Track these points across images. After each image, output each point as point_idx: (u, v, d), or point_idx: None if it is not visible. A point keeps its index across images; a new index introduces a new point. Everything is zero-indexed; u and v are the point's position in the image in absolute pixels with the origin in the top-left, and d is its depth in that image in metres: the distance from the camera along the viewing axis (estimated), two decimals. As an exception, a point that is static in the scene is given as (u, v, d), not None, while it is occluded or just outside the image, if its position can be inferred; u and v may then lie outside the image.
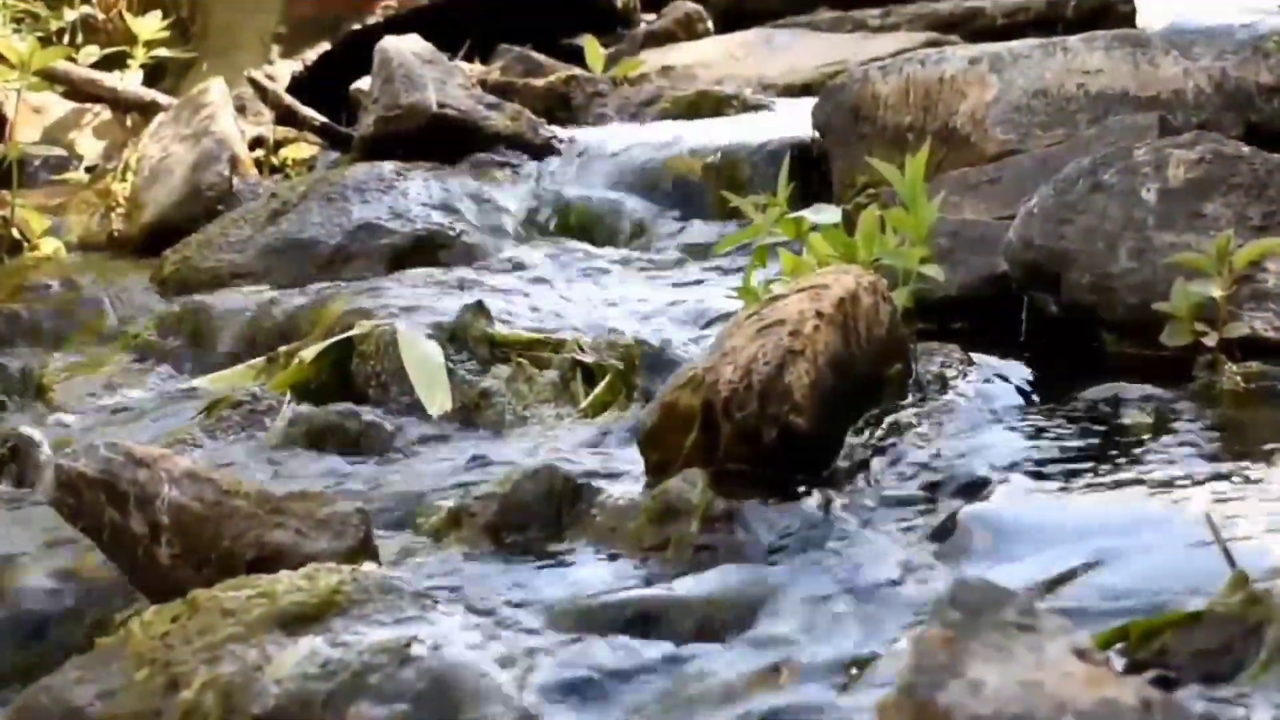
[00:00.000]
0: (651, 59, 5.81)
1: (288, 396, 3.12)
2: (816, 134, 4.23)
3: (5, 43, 4.95)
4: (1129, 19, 5.68)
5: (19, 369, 3.59)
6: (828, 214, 3.15)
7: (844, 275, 2.59)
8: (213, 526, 2.22)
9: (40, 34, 5.71)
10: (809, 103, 4.38)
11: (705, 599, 2.09)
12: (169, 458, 2.31)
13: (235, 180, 4.71)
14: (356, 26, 6.13)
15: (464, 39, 5.91)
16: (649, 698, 1.88)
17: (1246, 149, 3.01)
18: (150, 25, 5.80)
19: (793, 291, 2.56)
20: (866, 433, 2.54)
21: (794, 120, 4.44)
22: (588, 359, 3.16)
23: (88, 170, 5.27)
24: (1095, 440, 2.48)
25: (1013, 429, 2.57)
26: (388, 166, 4.37)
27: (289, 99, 5.31)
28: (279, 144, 5.18)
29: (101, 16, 6.04)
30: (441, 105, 4.61)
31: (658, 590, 2.13)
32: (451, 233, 4.14)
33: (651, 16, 6.72)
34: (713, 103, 5.06)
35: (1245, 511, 2.09)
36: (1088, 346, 2.96)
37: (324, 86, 5.75)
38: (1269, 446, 2.37)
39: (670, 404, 2.47)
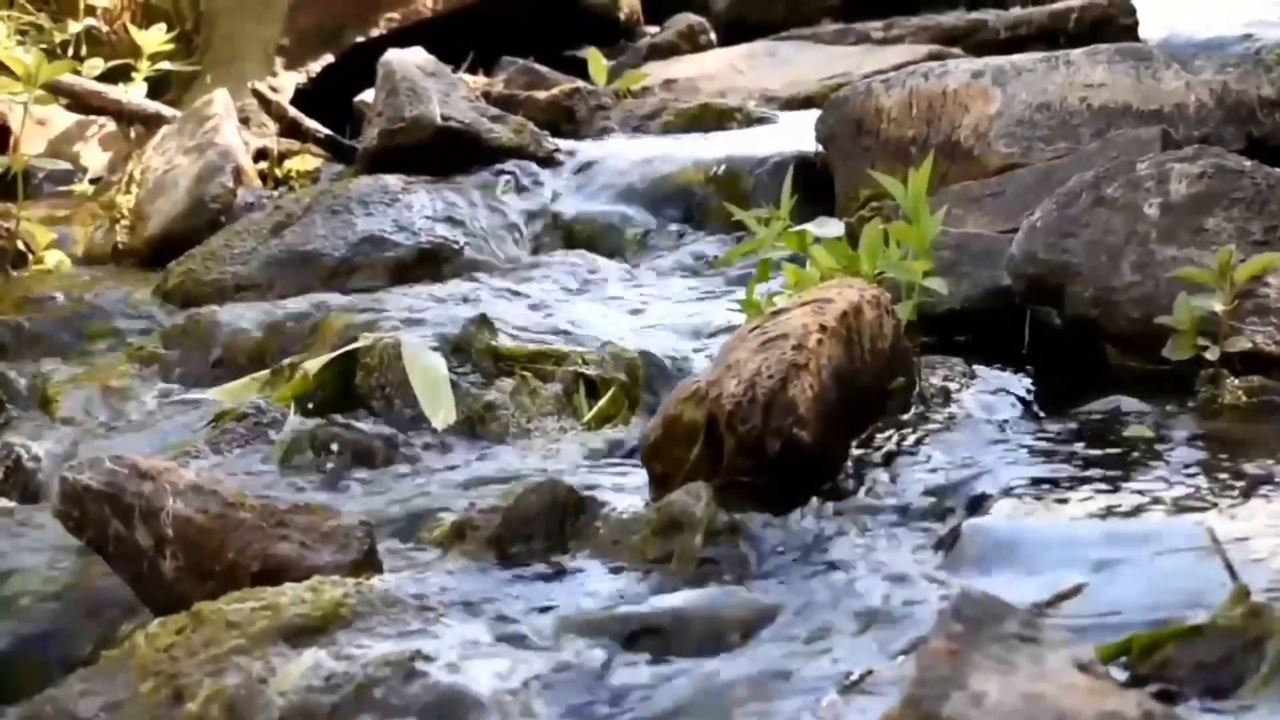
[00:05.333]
0: (655, 71, 5.81)
1: (292, 409, 3.13)
2: (819, 147, 4.23)
3: (10, 55, 4.96)
4: (1131, 32, 5.68)
5: (24, 381, 3.59)
6: (831, 227, 3.16)
7: (847, 289, 2.60)
8: (217, 539, 2.22)
9: (45, 46, 5.71)
10: (812, 115, 4.39)
11: (709, 612, 2.09)
12: (174, 470, 2.32)
13: (239, 192, 4.72)
14: (360, 39, 6.13)
15: (467, 51, 5.92)
16: (653, 711, 1.88)
17: (1248, 163, 3.01)
18: (154, 38, 5.81)
19: (796, 305, 2.56)
20: (870, 446, 2.55)
21: (797, 133, 4.45)
22: (591, 372, 3.16)
23: (92, 182, 5.27)
24: (1097, 454, 2.49)
25: (1015, 442, 2.58)
26: (392, 179, 4.37)
27: (293, 111, 5.32)
28: (283, 156, 5.18)
29: (106, 29, 6.05)
30: (445, 118, 4.62)
31: (661, 603, 2.14)
32: (455, 245, 4.14)
33: (654, 29, 6.72)
34: (716, 115, 5.06)
35: (1247, 525, 2.09)
36: (1090, 360, 2.96)
37: (328, 99, 5.75)
38: (1270, 461, 2.37)
39: (674, 417, 2.47)
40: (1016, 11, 6.09)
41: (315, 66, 6.11)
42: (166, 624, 2.03)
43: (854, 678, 1.87)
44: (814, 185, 4.11)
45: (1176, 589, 1.92)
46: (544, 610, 2.16)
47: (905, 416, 2.66)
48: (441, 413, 3.06)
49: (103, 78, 5.64)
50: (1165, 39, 5.28)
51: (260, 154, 5.11)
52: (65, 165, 5.19)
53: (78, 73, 5.52)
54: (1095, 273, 2.94)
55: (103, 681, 1.96)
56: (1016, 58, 4.12)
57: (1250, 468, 2.35)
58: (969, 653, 1.36)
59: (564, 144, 4.75)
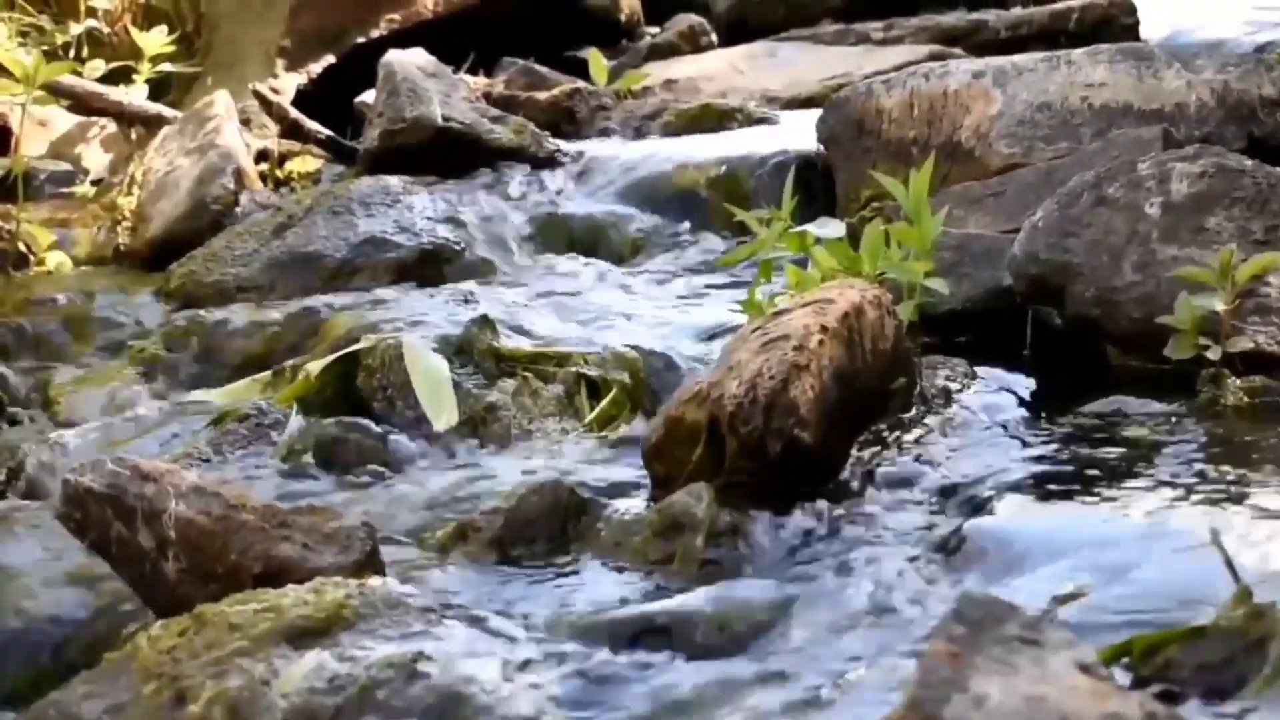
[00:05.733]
0: (655, 72, 5.81)
1: (294, 410, 3.13)
2: (820, 148, 4.23)
3: (11, 57, 4.96)
4: (1132, 32, 5.68)
5: (26, 383, 3.60)
6: (832, 228, 3.16)
7: (848, 289, 2.60)
8: (219, 541, 2.22)
9: (46, 48, 5.71)
10: (813, 116, 4.39)
11: (711, 613, 2.09)
12: (175, 472, 2.32)
13: (240, 194, 4.72)
14: (361, 40, 6.13)
15: (468, 52, 5.92)
16: (655, 712, 1.88)
17: (1249, 162, 3.01)
18: (155, 39, 5.81)
19: (797, 306, 2.56)
20: (871, 446, 2.55)
21: (798, 134, 4.45)
22: (593, 373, 3.16)
23: (93, 184, 5.27)
24: (1099, 454, 2.49)
25: (1017, 443, 2.58)
26: (393, 180, 4.37)
27: (294, 112, 5.32)
28: (284, 157, 5.18)
29: (107, 30, 6.05)
30: (446, 119, 4.62)
31: (663, 605, 2.14)
32: (457, 246, 4.15)
33: (655, 29, 6.72)
34: (716, 116, 5.06)
35: (1249, 526, 2.09)
36: (1092, 360, 2.96)
37: (328, 100, 5.75)
38: (1272, 461, 2.37)
39: (675, 418, 2.47)
40: (1017, 11, 6.09)
41: (316, 68, 6.11)
42: (169, 626, 2.03)
43: (855, 679, 1.87)
44: (815, 186, 4.11)
45: (1178, 590, 1.92)
46: (546, 612, 2.16)
47: (907, 417, 2.66)
48: (444, 414, 3.06)
49: (104, 79, 5.64)
50: (1166, 38, 5.28)
51: (261, 155, 5.11)
52: (66, 167, 5.19)
53: (79, 74, 5.52)
54: (1096, 273, 2.94)
55: (105, 684, 1.96)
56: (1017, 58, 4.12)
57: (1252, 468, 2.36)
58: (971, 655, 1.36)
59: (565, 145, 4.76)
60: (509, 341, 3.30)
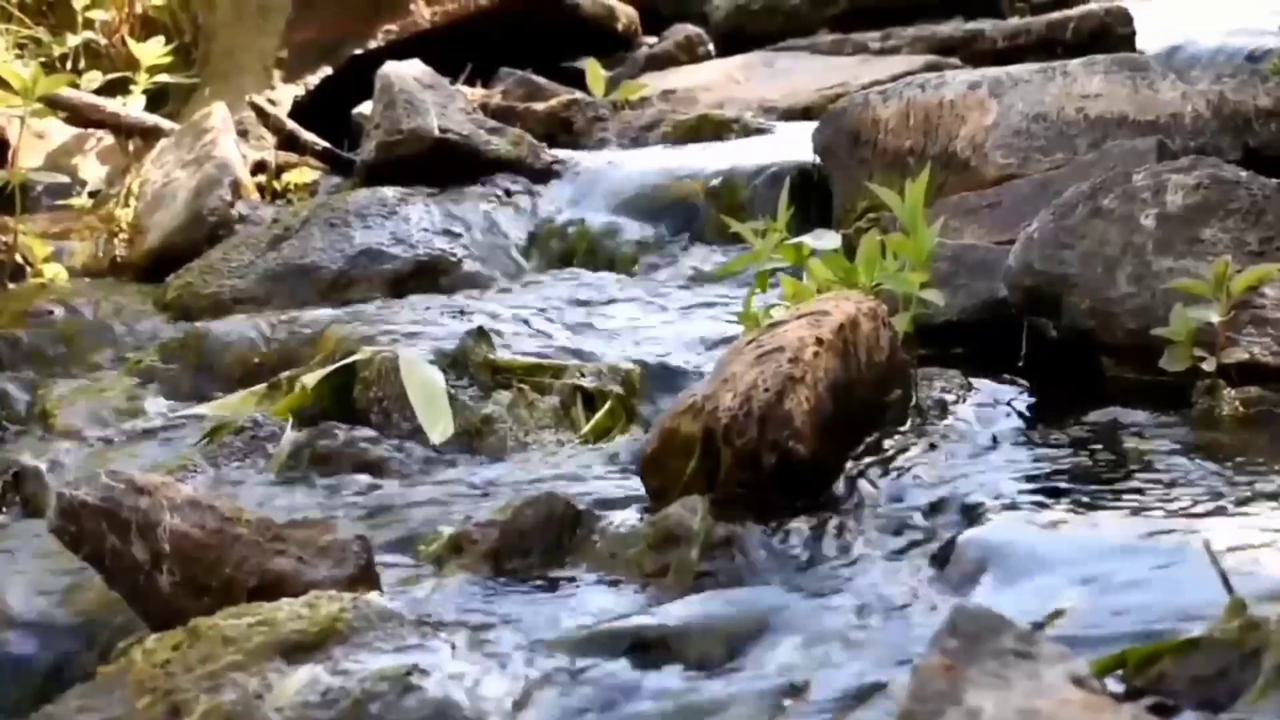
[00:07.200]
0: (652, 82, 5.81)
1: (289, 422, 3.13)
2: (817, 158, 4.23)
3: (8, 68, 4.96)
4: (1128, 42, 5.69)
5: (22, 395, 3.59)
6: (828, 239, 3.16)
7: (844, 301, 2.60)
8: (214, 554, 2.22)
9: (43, 59, 5.72)
10: (809, 126, 4.39)
11: (706, 626, 2.09)
12: (170, 485, 2.32)
13: (237, 205, 4.72)
14: (358, 51, 6.14)
15: (465, 63, 5.93)
16: (649, 726, 1.88)
17: (1244, 174, 3.02)
18: (153, 51, 5.81)
19: (793, 317, 2.56)
20: (866, 458, 2.55)
21: (794, 144, 4.45)
22: (588, 384, 3.16)
23: (90, 196, 5.27)
24: (1094, 466, 2.49)
25: (1012, 454, 2.58)
26: (389, 192, 4.38)
27: (291, 124, 5.32)
28: (281, 169, 5.18)
29: (104, 42, 6.06)
30: (443, 130, 4.62)
31: (658, 617, 2.13)
32: (453, 258, 4.15)
33: (652, 39, 6.73)
34: (713, 126, 5.07)
35: (1243, 538, 2.09)
36: (1087, 371, 2.96)
37: (326, 111, 5.76)
38: (1267, 472, 2.37)
39: (670, 430, 2.47)
40: (1014, 22, 6.10)
41: (313, 79, 6.11)
42: (163, 639, 2.03)
43: (850, 692, 1.87)
44: (811, 196, 4.11)
45: (1172, 602, 1.92)
46: (541, 624, 2.16)
47: (902, 429, 2.66)
48: (439, 426, 3.06)
49: (101, 91, 5.64)
50: (1162, 49, 5.28)
51: (258, 167, 5.11)
52: (63, 178, 5.19)
53: (76, 86, 5.52)
54: (1092, 284, 2.94)
55: (100, 698, 1.96)
56: (1013, 68, 4.12)
57: (1247, 479, 2.35)
58: (965, 668, 1.36)
59: (562, 155, 4.76)
60: (505, 353, 3.30)
